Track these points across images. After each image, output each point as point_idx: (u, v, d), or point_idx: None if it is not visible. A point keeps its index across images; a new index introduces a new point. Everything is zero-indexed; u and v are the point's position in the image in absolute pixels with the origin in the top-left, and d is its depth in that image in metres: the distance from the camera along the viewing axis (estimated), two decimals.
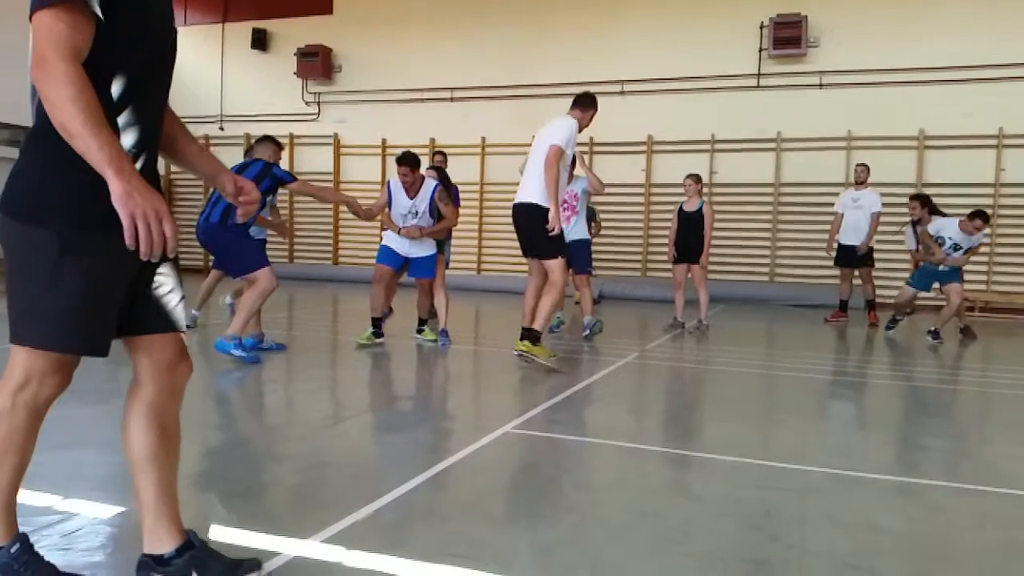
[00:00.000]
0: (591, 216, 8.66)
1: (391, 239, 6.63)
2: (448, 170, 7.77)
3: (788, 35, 11.84)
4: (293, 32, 14.94)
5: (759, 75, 12.32)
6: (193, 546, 1.96)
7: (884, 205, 9.53)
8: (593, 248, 8.24)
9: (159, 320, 1.91)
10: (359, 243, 14.48)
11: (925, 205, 8.86)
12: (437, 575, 2.17)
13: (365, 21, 14.48)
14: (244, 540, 2.33)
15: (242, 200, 2.08)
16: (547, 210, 5.51)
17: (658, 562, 2.33)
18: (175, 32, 1.89)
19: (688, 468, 3.46)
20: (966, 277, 8.61)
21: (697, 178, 8.41)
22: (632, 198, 12.99)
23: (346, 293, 12.13)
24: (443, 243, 7.00)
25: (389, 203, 6.57)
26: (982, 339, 8.50)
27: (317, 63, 14.51)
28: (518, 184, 5.88)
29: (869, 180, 9.60)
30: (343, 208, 7.68)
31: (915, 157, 11.65)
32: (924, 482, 3.30)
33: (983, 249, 9.95)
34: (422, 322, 7.04)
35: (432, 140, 13.66)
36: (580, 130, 5.76)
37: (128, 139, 1.76)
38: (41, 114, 1.66)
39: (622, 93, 12.82)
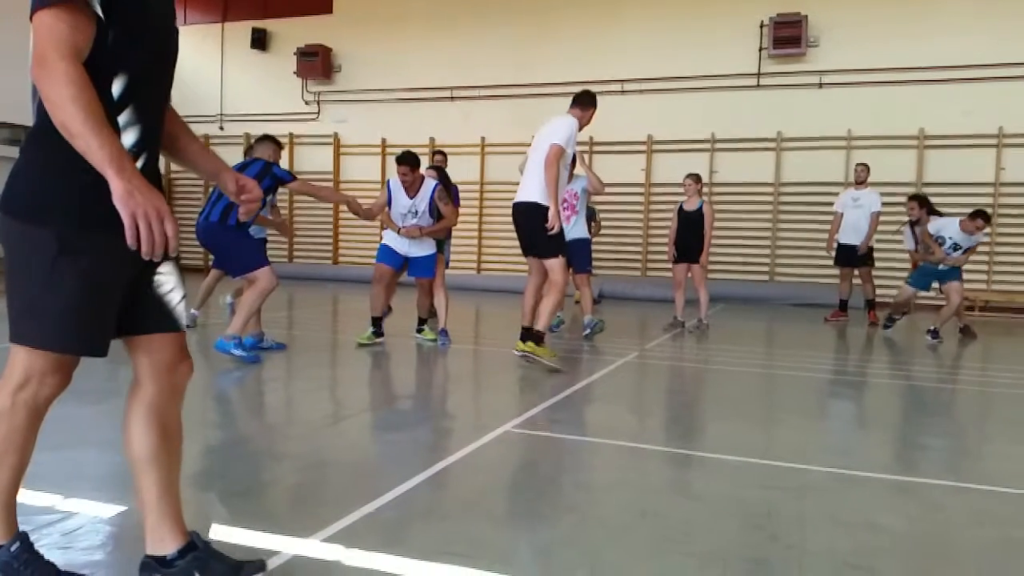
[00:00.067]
0: (591, 215, 8.67)
1: (391, 238, 6.64)
2: (448, 170, 7.77)
3: (788, 35, 11.84)
4: (293, 32, 14.94)
5: (759, 75, 12.32)
6: (196, 547, 1.95)
7: (884, 205, 9.52)
8: (593, 247, 8.24)
9: (159, 320, 1.90)
10: (359, 243, 14.48)
11: (923, 205, 8.86)
12: (437, 574, 2.18)
13: (365, 21, 14.47)
14: (244, 539, 2.33)
15: (244, 199, 2.08)
16: (547, 209, 5.50)
17: (658, 562, 2.33)
18: (176, 32, 1.89)
19: (688, 467, 3.47)
20: (966, 276, 8.60)
21: (697, 177, 8.41)
22: (632, 197, 12.99)
23: (346, 293, 12.12)
24: (443, 243, 7.00)
25: (389, 203, 6.57)
26: (982, 338, 8.50)
27: (317, 63, 14.51)
28: (518, 183, 5.87)
29: (869, 179, 9.61)
30: (343, 208, 7.67)
31: (915, 156, 11.65)
32: (923, 481, 3.30)
33: (983, 248, 9.96)
34: (422, 321, 7.05)
35: (432, 140, 13.65)
36: (580, 129, 5.75)
37: (129, 138, 1.76)
38: (42, 113, 1.66)
39: (622, 92, 12.81)
